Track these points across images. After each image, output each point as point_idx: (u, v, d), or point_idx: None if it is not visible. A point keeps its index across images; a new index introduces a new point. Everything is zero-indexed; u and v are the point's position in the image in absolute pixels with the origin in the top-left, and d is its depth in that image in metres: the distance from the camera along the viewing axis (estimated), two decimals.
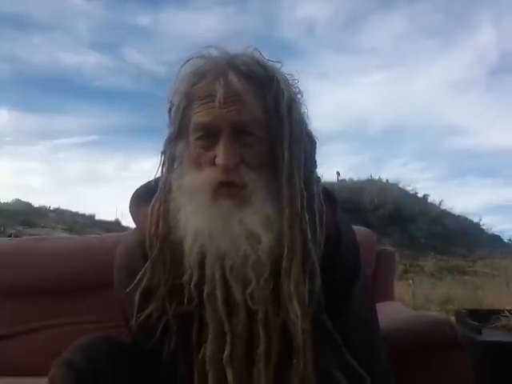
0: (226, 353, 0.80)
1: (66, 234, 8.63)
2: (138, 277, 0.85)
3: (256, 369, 0.80)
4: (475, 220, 14.53)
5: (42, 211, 12.85)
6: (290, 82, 0.87)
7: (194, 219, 0.82)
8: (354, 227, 1.01)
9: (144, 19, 18.70)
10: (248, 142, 0.83)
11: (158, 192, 0.87)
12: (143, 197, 0.92)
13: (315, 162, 0.88)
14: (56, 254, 1.58)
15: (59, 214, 12.95)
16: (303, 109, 0.88)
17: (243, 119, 0.81)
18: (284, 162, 0.81)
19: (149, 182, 0.93)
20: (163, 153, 0.88)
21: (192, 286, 0.81)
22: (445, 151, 20.97)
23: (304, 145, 0.85)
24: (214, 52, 0.87)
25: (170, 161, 0.88)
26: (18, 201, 13.12)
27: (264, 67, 0.86)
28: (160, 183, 0.87)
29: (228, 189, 0.81)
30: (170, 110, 0.88)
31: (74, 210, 13.24)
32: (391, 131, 20.43)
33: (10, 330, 1.52)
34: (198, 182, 0.82)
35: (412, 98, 19.12)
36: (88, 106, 19.76)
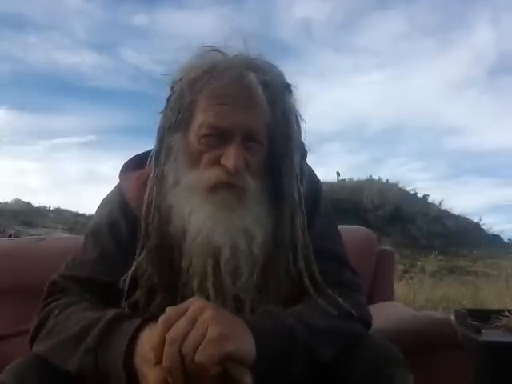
0: None
1: (65, 234, 8.62)
2: (134, 266, 0.85)
3: None
4: (475, 220, 14.57)
5: (42, 211, 12.84)
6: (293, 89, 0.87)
7: (197, 214, 0.83)
8: (353, 227, 1.01)
9: (141, 19, 18.79)
10: (254, 149, 0.84)
11: (151, 180, 0.87)
12: (131, 167, 0.96)
13: (304, 171, 0.91)
14: (56, 254, 1.57)
15: (59, 213, 12.96)
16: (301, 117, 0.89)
17: (256, 128, 0.83)
18: (285, 174, 0.86)
19: (140, 154, 0.97)
20: (160, 140, 0.87)
21: (190, 273, 0.82)
22: (444, 151, 21.04)
23: (299, 155, 0.88)
24: (231, 50, 0.85)
25: (166, 152, 0.86)
26: (17, 201, 13.12)
27: (281, 75, 0.86)
28: (154, 172, 0.87)
29: (227, 188, 0.82)
30: (170, 96, 0.86)
31: (74, 210, 13.27)
32: (390, 131, 20.47)
33: (10, 329, 1.52)
34: (200, 181, 0.83)
35: (411, 97, 19.18)
36: (86, 105, 19.86)
